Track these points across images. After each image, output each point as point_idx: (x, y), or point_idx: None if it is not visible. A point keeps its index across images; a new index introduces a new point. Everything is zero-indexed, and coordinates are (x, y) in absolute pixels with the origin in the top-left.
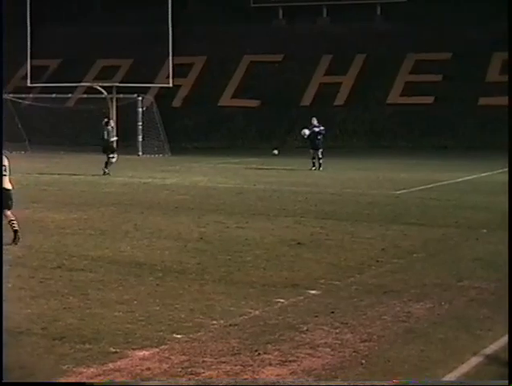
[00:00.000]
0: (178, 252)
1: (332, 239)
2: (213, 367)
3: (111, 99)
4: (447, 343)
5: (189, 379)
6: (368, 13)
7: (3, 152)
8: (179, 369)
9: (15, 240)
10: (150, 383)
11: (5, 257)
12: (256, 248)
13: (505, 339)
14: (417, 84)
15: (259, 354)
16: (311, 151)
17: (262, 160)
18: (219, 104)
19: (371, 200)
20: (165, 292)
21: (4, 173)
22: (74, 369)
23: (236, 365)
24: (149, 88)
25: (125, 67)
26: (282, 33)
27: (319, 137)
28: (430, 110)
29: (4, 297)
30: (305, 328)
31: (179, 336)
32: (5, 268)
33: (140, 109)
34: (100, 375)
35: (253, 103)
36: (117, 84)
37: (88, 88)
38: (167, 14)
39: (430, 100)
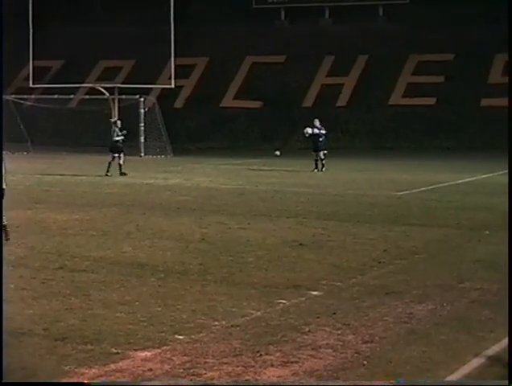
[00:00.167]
0: (180, 252)
1: (333, 240)
2: (215, 368)
3: (113, 100)
4: (448, 345)
5: (191, 380)
6: (370, 14)
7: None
8: (181, 370)
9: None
10: (151, 383)
11: (7, 258)
12: (258, 249)
13: (506, 341)
14: (419, 85)
15: (261, 355)
16: (313, 153)
17: (264, 161)
18: (221, 105)
19: (373, 201)
20: (167, 293)
21: None
22: (76, 370)
23: (238, 366)
24: (151, 88)
25: (128, 68)
26: (285, 34)
27: (320, 139)
28: (432, 111)
29: (6, 298)
30: (307, 329)
31: (181, 337)
32: (7, 268)
33: (142, 110)
34: (101, 375)
35: (256, 104)
36: (120, 85)
37: (91, 89)
38: (170, 15)
39: (432, 101)
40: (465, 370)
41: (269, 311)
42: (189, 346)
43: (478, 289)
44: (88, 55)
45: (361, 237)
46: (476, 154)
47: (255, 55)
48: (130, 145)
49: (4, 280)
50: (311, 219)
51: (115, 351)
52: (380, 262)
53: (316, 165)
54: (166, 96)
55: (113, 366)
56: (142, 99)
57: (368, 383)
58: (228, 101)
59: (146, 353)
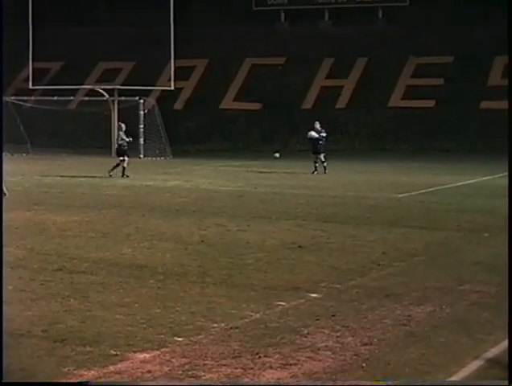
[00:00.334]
0: (179, 254)
1: (333, 242)
2: (214, 369)
3: (113, 101)
4: (448, 347)
5: (190, 382)
6: (370, 16)
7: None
8: (180, 372)
9: None
10: (150, 384)
11: (6, 259)
12: (257, 250)
13: (506, 343)
14: (419, 87)
15: (260, 357)
16: (313, 155)
17: (264, 163)
18: (221, 107)
19: (373, 203)
20: (166, 295)
21: None
22: (75, 371)
23: (237, 368)
24: (151, 90)
25: (127, 69)
26: (284, 36)
27: (320, 142)
28: (431, 113)
29: (5, 299)
30: (306, 331)
31: (180, 339)
32: (6, 270)
33: (142, 112)
34: (100, 377)
35: (255, 106)
36: (119, 87)
37: (90, 90)
38: (169, 17)
39: (431, 103)
40: (464, 372)
41: (268, 313)
42: (188, 348)
43: (478, 291)
44: (87, 57)
45: (361, 239)
46: (476, 157)
47: (255, 57)
48: (129, 147)
49: (3, 281)
50: (311, 221)
51: (114, 352)
52: (379, 264)
53: (316, 167)
54: (165, 98)
55: (111, 367)
56: (141, 100)
57: (368, 383)
58: (227, 103)
59: (145, 355)
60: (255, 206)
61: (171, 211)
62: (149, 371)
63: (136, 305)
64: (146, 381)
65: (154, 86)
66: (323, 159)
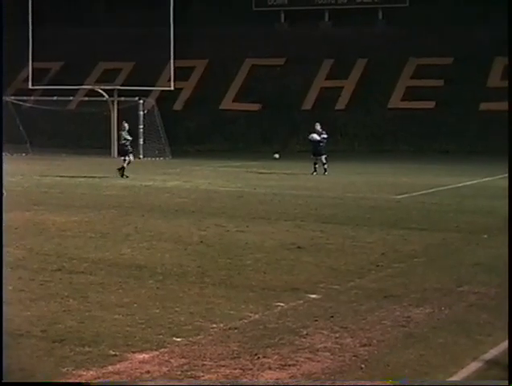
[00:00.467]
0: (178, 255)
1: (332, 243)
2: (213, 370)
3: (112, 102)
4: (446, 348)
5: (189, 383)
6: (369, 17)
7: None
8: (179, 372)
9: None
10: (149, 384)
11: (6, 259)
12: (256, 251)
13: (505, 344)
14: (418, 88)
15: (259, 357)
16: (313, 157)
17: (263, 163)
18: (220, 108)
19: (372, 204)
20: (165, 295)
21: None
22: (74, 372)
23: (235, 369)
24: (150, 91)
25: (127, 70)
26: (284, 36)
27: (321, 144)
28: (431, 115)
29: (4, 300)
30: (305, 332)
31: (178, 339)
32: (6, 270)
33: (141, 112)
34: (99, 377)
35: (255, 106)
36: (119, 87)
37: (90, 90)
38: (169, 17)
39: (431, 104)
40: (463, 373)
41: (267, 314)
42: (187, 348)
43: (477, 292)
44: (87, 57)
45: (360, 240)
46: (475, 158)
47: (255, 58)
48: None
49: (3, 281)
50: (310, 222)
51: (113, 353)
52: (378, 265)
53: (315, 168)
54: (165, 98)
55: (110, 368)
56: (141, 101)
57: (368, 383)
58: (227, 103)
59: (144, 355)
60: (254, 206)
61: (170, 212)
62: (148, 372)
63: (135, 305)
64: (144, 381)
65: (153, 86)
66: (324, 161)
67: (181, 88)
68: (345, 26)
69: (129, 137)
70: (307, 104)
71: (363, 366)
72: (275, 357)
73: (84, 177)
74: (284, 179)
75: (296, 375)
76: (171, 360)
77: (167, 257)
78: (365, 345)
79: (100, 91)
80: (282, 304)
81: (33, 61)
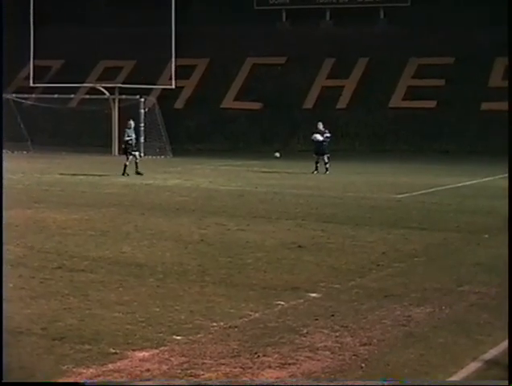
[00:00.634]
0: (179, 253)
1: (332, 242)
2: (213, 368)
3: (113, 100)
4: (447, 348)
5: (189, 381)
6: (371, 16)
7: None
8: (179, 370)
9: None
10: (149, 383)
11: (6, 257)
12: (257, 250)
13: (505, 344)
14: (419, 88)
15: (259, 356)
16: (315, 156)
17: (264, 163)
18: (221, 107)
19: (373, 204)
20: (165, 293)
21: None
22: (74, 369)
23: (235, 367)
24: (151, 89)
25: (128, 68)
26: (286, 36)
27: (324, 144)
28: (432, 114)
29: (5, 297)
30: (305, 331)
31: (178, 338)
32: (6, 268)
33: (142, 111)
34: (99, 375)
35: (256, 105)
36: (120, 85)
37: (91, 88)
38: (170, 16)
39: (432, 104)
40: (463, 373)
41: (267, 313)
42: (187, 346)
43: (477, 292)
44: (88, 55)
45: (360, 240)
46: (476, 158)
47: (256, 57)
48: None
49: (3, 279)
50: (311, 222)
51: (113, 351)
52: (379, 265)
53: (317, 167)
54: (166, 97)
55: (110, 366)
56: (142, 99)
57: (367, 383)
58: (228, 102)
59: (143, 353)
60: (255, 205)
61: (170, 210)
62: (148, 370)
63: (135, 303)
64: (144, 380)
65: (154, 85)
66: (326, 160)
67: (182, 87)
68: (347, 25)
69: (133, 135)
70: (309, 104)
71: (363, 365)
72: (275, 356)
73: (85, 175)
74: (285, 178)
75: (296, 373)
76: (171, 358)
77: (168, 256)
78: (365, 344)
79: (101, 89)
80: (282, 303)
81: (34, 59)
